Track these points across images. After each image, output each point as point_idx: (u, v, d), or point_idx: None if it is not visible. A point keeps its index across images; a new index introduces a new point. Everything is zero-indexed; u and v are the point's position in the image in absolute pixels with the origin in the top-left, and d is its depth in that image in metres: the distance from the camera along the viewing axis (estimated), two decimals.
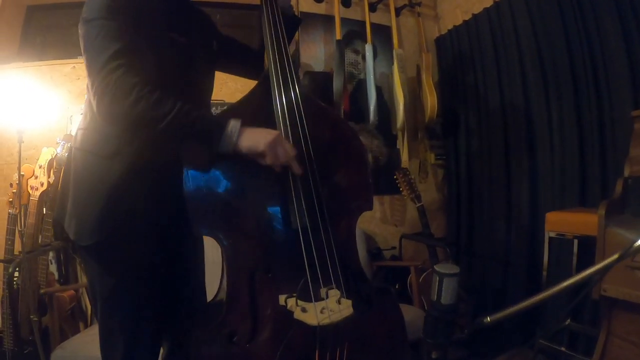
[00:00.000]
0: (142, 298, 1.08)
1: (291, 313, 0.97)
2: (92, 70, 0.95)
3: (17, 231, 2.10)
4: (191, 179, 1.01)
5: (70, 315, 2.28)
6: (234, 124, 0.98)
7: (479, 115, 2.78)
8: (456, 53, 2.99)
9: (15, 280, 2.05)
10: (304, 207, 1.03)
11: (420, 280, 2.34)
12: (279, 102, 1.11)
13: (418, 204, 2.39)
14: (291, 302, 0.98)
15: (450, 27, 3.05)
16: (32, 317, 2.04)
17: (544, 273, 1.94)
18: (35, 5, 2.96)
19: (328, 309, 0.98)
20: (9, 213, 2.11)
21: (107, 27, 0.95)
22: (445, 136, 3.09)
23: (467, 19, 2.85)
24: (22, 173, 2.12)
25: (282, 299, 1.00)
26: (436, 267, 0.74)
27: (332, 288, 1.02)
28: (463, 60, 2.92)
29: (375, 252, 2.75)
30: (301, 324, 0.96)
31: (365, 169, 1.25)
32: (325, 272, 1.02)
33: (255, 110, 1.14)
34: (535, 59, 2.28)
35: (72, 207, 1.06)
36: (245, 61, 1.44)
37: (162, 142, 1.01)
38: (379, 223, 2.97)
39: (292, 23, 1.36)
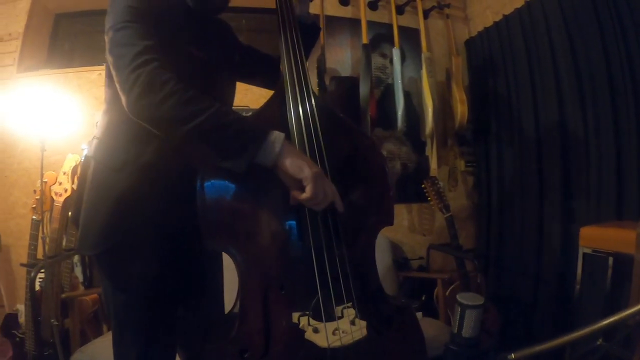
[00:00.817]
0: (153, 312, 1.05)
1: (304, 332, 0.93)
2: (121, 66, 0.88)
3: (39, 237, 2.13)
4: (204, 191, 0.96)
5: (93, 318, 2.31)
6: (277, 135, 0.89)
7: (510, 120, 2.67)
8: (487, 56, 2.87)
9: (40, 283, 2.11)
10: (318, 225, 0.98)
11: (447, 293, 2.26)
12: (294, 114, 1.05)
13: (446, 214, 2.30)
14: (304, 320, 0.94)
15: (480, 28, 2.94)
16: (52, 321, 2.07)
17: (577, 287, 1.84)
18: (62, 13, 3.01)
19: (340, 330, 0.93)
20: (32, 219, 2.15)
21: (133, 29, 0.90)
22: (476, 142, 2.98)
23: (497, 20, 2.74)
24: (45, 180, 2.16)
25: (295, 316, 0.95)
26: (459, 297, 0.66)
27: (348, 307, 0.97)
28: (494, 64, 2.80)
29: (401, 262, 2.68)
30: (312, 345, 0.92)
31: (386, 183, 1.17)
32: (340, 290, 0.97)
33: (269, 123, 1.07)
34: (569, 61, 2.16)
35: (82, 215, 1.05)
36: (266, 72, 1.39)
37: (185, 147, 0.95)
38: (406, 232, 2.88)
39: (311, 32, 1.30)
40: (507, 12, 2.64)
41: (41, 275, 2.08)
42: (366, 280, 1.08)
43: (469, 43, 3.11)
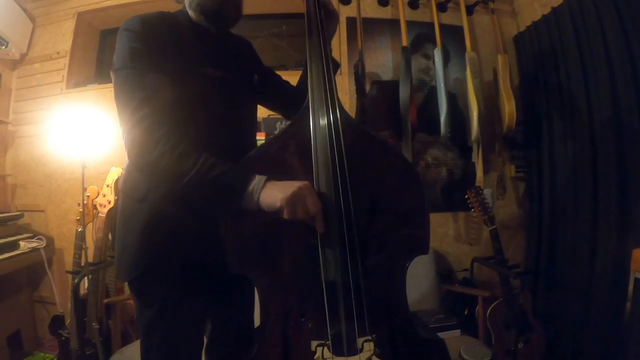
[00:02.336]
0: (177, 332, 1.09)
1: None
2: (121, 121, 0.96)
3: (83, 246, 2.27)
4: (227, 223, 0.99)
5: None
6: (257, 182, 0.92)
7: (562, 122, 2.47)
8: (536, 52, 2.68)
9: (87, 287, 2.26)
10: (334, 257, 0.94)
11: (489, 310, 2.12)
12: (317, 132, 1.01)
13: (491, 227, 2.15)
14: (320, 351, 0.94)
15: (529, 23, 2.75)
16: (93, 324, 2.19)
17: (628, 308, 1.67)
18: (108, 29, 3.12)
19: None
20: (76, 230, 2.28)
21: (131, 76, 0.96)
22: (527, 145, 2.78)
23: (546, 13, 2.55)
24: (87, 194, 2.31)
25: (314, 345, 0.95)
26: (463, 353, 0.58)
27: (369, 340, 0.94)
28: (544, 60, 2.60)
29: (445, 274, 2.56)
30: None
31: (421, 207, 1.08)
32: (363, 322, 0.94)
33: (292, 142, 1.05)
34: (624, 55, 1.96)
35: (115, 245, 1.13)
36: (285, 99, 1.38)
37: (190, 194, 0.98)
38: (452, 242, 2.75)
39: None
40: (555, 5, 2.46)
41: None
42: (393, 312, 1.03)
43: (518, 39, 2.92)
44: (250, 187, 0.91)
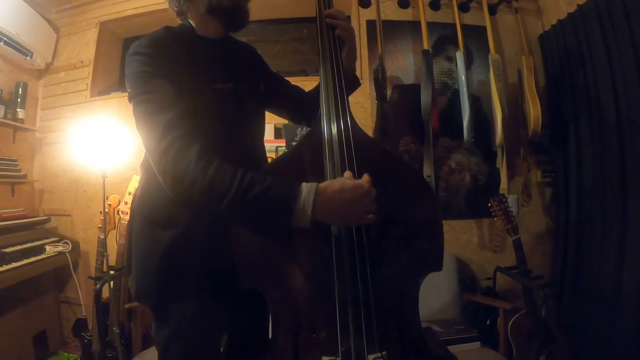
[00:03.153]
0: (193, 349, 1.08)
1: None
2: (149, 149, 0.93)
3: (104, 253, 2.35)
4: (236, 231, 0.96)
5: None
6: (306, 193, 0.84)
7: (590, 124, 2.38)
8: (562, 52, 2.59)
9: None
10: (346, 274, 0.91)
11: (510, 322, 2.07)
12: (327, 144, 0.99)
13: (514, 237, 2.08)
14: None
15: (554, 22, 2.66)
16: (114, 328, 2.26)
17: None
18: (130, 37, 3.16)
19: None
20: (98, 237, 2.35)
21: (150, 102, 0.93)
22: (554, 150, 2.69)
23: (572, 11, 2.46)
24: (109, 202, 2.37)
25: None
26: None
27: (380, 358, 0.91)
28: (570, 60, 2.52)
29: (467, 282, 2.49)
30: None
31: (435, 224, 1.05)
32: (372, 339, 0.91)
33: (306, 154, 1.03)
34: None
35: (133, 268, 1.10)
36: (294, 106, 1.36)
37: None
38: (475, 249, 2.69)
39: (351, 85, 1.24)
40: (581, 2, 2.37)
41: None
42: (405, 329, 1.00)
43: (543, 38, 2.83)
44: (301, 203, 0.83)
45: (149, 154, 0.93)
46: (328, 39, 1.11)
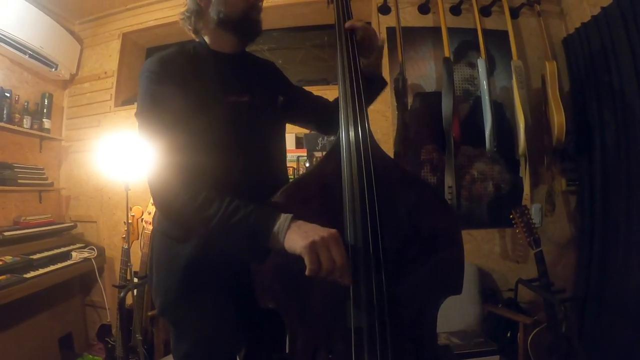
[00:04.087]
0: None
1: None
2: (146, 170, 0.96)
3: (128, 263, 2.42)
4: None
5: None
6: (282, 221, 0.87)
7: (616, 130, 2.32)
8: (587, 55, 2.53)
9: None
10: (363, 302, 0.90)
11: (530, 336, 2.04)
12: (345, 167, 0.97)
13: (536, 249, 2.05)
14: None
15: (578, 24, 2.59)
16: (137, 335, 2.32)
17: None
18: (153, 47, 3.20)
19: None
20: (122, 247, 2.42)
21: (152, 122, 0.98)
22: (579, 157, 2.62)
23: (595, 13, 2.40)
24: (132, 214, 2.46)
25: None
26: None
27: None
28: (595, 64, 2.45)
29: (489, 293, 2.47)
30: None
31: (457, 246, 1.02)
32: None
33: (324, 176, 1.02)
34: None
35: (155, 283, 1.13)
36: (319, 117, 1.34)
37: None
38: (497, 259, 2.64)
39: (376, 86, 1.24)
40: (605, 4, 2.31)
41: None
42: (421, 353, 0.99)
43: (568, 42, 2.76)
44: (276, 228, 0.86)
45: (147, 172, 0.96)
46: (347, 49, 1.09)
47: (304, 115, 1.36)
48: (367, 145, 0.98)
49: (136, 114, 1.00)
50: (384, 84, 1.27)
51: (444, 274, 1.01)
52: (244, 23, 1.11)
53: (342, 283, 0.85)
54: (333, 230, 0.85)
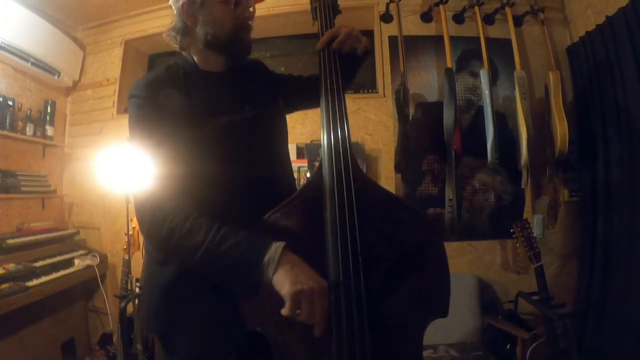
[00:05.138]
0: None
1: None
2: (135, 195, 0.98)
3: (128, 273, 2.45)
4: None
5: None
6: (272, 253, 0.83)
7: (620, 141, 2.31)
8: (591, 65, 2.51)
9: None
10: (344, 330, 0.85)
11: (529, 350, 2.03)
12: (327, 192, 0.94)
13: (536, 264, 2.05)
14: None
15: (582, 33, 2.58)
16: (137, 345, 2.34)
17: None
18: (156, 54, 3.21)
19: None
20: (123, 259, 2.45)
21: (141, 149, 0.97)
22: (582, 168, 2.61)
23: (600, 22, 2.39)
24: (133, 225, 2.46)
25: None
26: None
27: None
28: (599, 74, 2.44)
29: (489, 305, 2.46)
30: None
31: (442, 268, 1.00)
32: None
33: (309, 200, 0.98)
34: None
35: (144, 297, 1.21)
36: (314, 93, 1.29)
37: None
38: (498, 270, 2.63)
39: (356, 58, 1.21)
40: (610, 13, 2.29)
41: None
42: None
43: (572, 50, 2.74)
44: (266, 258, 0.83)
45: (135, 198, 0.97)
46: (328, 67, 1.10)
47: (305, 98, 1.33)
48: (349, 171, 0.95)
49: (128, 140, 1.01)
50: (367, 55, 1.24)
51: (426, 298, 0.98)
52: (233, 44, 1.08)
53: (314, 332, 0.84)
54: (323, 283, 0.83)
